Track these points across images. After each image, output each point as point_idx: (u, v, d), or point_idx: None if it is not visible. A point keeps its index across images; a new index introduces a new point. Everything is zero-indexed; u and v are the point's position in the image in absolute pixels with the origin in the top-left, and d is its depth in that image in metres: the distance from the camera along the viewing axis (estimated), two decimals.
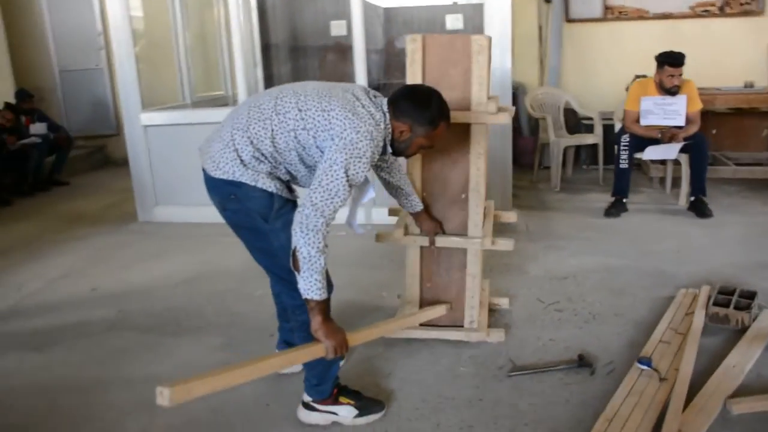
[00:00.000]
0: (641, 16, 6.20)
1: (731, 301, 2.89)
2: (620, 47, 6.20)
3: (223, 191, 2.07)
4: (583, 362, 2.57)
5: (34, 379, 2.74)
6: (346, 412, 2.24)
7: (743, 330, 2.76)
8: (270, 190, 2.04)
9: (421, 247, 2.69)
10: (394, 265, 3.64)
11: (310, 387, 2.26)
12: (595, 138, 5.56)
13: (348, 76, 6.15)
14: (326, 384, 2.23)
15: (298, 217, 1.90)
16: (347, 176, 1.91)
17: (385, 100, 2.10)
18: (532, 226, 4.48)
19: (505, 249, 2.64)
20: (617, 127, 5.02)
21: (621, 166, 4.61)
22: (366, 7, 7.47)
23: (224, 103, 6.28)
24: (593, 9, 6.27)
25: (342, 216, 2.21)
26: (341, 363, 2.50)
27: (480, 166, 2.51)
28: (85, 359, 2.90)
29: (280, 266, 2.11)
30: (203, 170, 2.12)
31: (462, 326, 2.75)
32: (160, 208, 5.00)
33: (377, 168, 2.40)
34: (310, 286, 1.92)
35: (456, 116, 2.41)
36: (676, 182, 4.98)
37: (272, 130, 2.02)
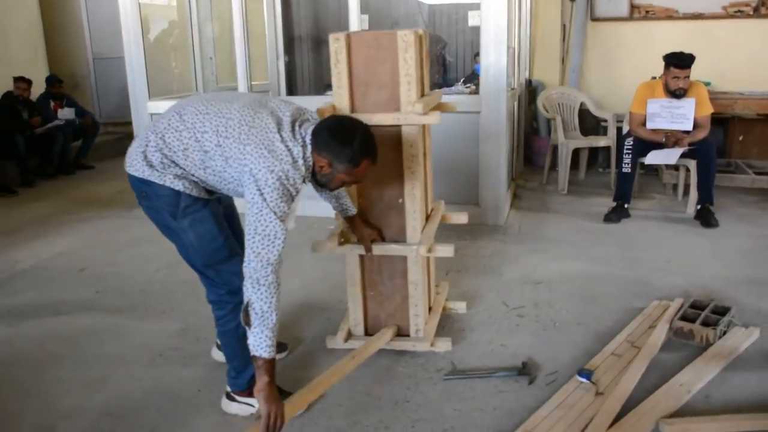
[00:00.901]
0: (670, 15, 5.94)
1: (699, 316, 2.74)
2: (646, 48, 5.95)
3: (135, 187, 2.09)
4: (523, 370, 2.48)
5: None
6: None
7: (708, 347, 2.61)
8: (177, 188, 2.04)
9: (361, 255, 2.60)
10: None
11: (229, 378, 2.30)
12: (608, 140, 5.37)
13: None
14: (243, 377, 2.26)
15: (246, 271, 1.89)
16: (276, 215, 1.88)
17: (310, 129, 2.01)
18: (525, 228, 4.36)
19: (445, 255, 2.54)
20: (625, 129, 4.83)
21: (623, 170, 4.44)
22: (407, 3, 7.45)
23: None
24: (619, 8, 6.04)
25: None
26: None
27: (415, 168, 2.42)
28: (49, 336, 2.99)
29: (192, 262, 2.17)
30: None
31: (408, 335, 2.69)
32: None
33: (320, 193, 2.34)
34: (259, 343, 1.90)
35: (385, 118, 2.37)
36: (689, 189, 4.76)
37: (186, 146, 2.00)
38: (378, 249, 2.52)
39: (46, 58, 7.39)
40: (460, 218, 2.86)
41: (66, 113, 6.74)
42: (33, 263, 4.02)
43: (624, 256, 3.76)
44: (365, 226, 2.51)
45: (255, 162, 1.91)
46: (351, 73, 2.44)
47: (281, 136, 1.96)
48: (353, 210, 2.47)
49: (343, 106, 2.47)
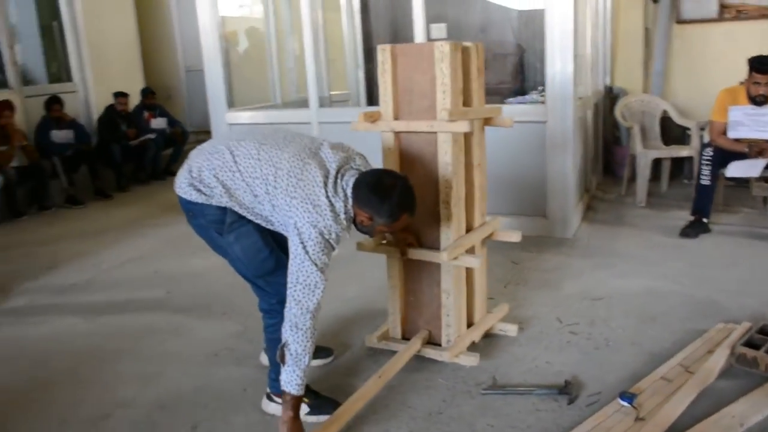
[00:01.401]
0: (764, 14, 5.56)
1: (766, 343, 2.55)
2: (737, 50, 5.55)
3: (184, 208, 2.21)
4: (564, 389, 2.41)
5: (71, 344, 3.10)
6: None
7: None
8: (223, 205, 2.13)
9: (401, 260, 2.63)
10: None
11: (270, 380, 2.38)
12: (690, 150, 5.10)
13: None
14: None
15: (287, 315, 2.02)
16: (317, 266, 1.99)
17: (351, 182, 2.07)
18: (594, 241, 4.21)
19: (471, 266, 2.51)
20: (705, 138, 4.56)
21: (702, 182, 4.19)
22: (495, 10, 7.38)
23: (323, 104, 6.51)
24: (707, 8, 5.72)
25: None
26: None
27: (449, 177, 2.42)
28: (118, 331, 3.21)
29: (243, 274, 2.28)
30: None
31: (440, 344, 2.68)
32: None
33: None
34: (290, 380, 2.05)
35: (419, 125, 2.39)
36: None
37: (238, 187, 2.10)
38: (411, 253, 2.55)
39: (142, 72, 7.90)
40: (511, 236, 2.80)
41: (158, 122, 7.19)
42: (114, 264, 4.31)
43: (694, 274, 3.56)
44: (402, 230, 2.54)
45: (300, 216, 2.01)
46: (396, 82, 2.48)
47: (326, 191, 2.03)
48: None
49: (387, 113, 2.51)
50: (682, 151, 5.17)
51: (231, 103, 5.32)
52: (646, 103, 5.50)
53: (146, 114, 7.19)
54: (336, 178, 2.07)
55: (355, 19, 6.96)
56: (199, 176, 2.13)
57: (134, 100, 7.19)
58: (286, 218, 2.05)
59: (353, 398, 2.28)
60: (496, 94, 6.34)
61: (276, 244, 2.23)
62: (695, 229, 4.19)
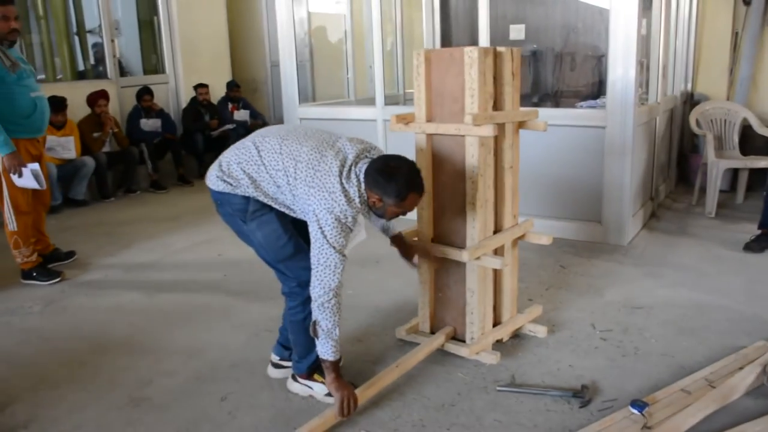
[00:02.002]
0: None
1: None
2: None
3: (213, 198, 2.39)
4: (579, 393, 2.42)
5: (131, 316, 3.39)
6: (318, 389, 2.48)
7: None
8: (246, 194, 2.29)
9: (433, 257, 2.72)
10: None
11: (293, 362, 2.55)
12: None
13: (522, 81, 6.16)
14: (304, 363, 2.49)
15: (313, 295, 2.21)
16: (336, 249, 2.16)
17: (363, 168, 2.20)
18: (650, 250, 4.11)
19: (493, 266, 2.55)
20: None
21: None
22: (584, 9, 7.24)
23: (394, 101, 6.63)
24: None
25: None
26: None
27: (476, 178, 2.47)
28: (175, 308, 3.48)
29: (266, 259, 2.42)
30: None
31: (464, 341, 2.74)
32: None
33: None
34: (326, 350, 2.27)
35: (447, 128, 2.46)
36: None
37: (262, 179, 2.26)
38: (435, 250, 2.65)
39: (230, 65, 8.31)
40: (542, 239, 2.80)
41: (241, 115, 7.56)
42: (183, 246, 4.63)
43: (748, 290, 3.41)
44: (406, 244, 2.69)
45: (317, 203, 2.16)
46: (429, 85, 2.56)
47: (340, 178, 2.17)
48: (393, 231, 2.66)
49: (420, 115, 2.60)
50: (760, 162, 4.90)
51: (306, 98, 5.56)
52: (725, 110, 5.25)
53: (230, 106, 7.57)
54: (351, 166, 2.20)
55: (435, 18, 7.03)
56: (228, 170, 2.30)
57: (222, 92, 7.61)
58: (305, 206, 2.20)
59: (367, 384, 2.41)
60: (574, 97, 6.24)
61: (296, 231, 2.37)
62: (760, 243, 4.00)
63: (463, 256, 2.47)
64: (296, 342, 2.50)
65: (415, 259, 2.74)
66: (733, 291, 3.41)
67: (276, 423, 2.35)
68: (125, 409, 2.50)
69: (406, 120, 2.60)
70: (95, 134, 6.15)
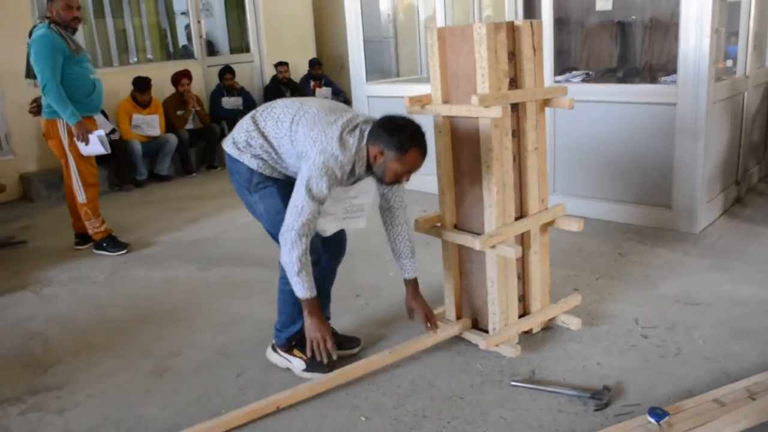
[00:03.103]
0: None
1: None
2: None
3: (228, 167, 2.47)
4: (597, 394, 2.25)
5: (179, 288, 3.56)
6: (297, 364, 2.54)
7: None
8: (251, 167, 2.35)
9: (456, 244, 2.62)
10: None
11: (275, 330, 2.59)
12: None
13: (608, 54, 5.79)
14: (284, 333, 2.54)
15: (279, 236, 2.22)
16: (310, 193, 2.15)
17: (368, 128, 2.23)
18: (724, 240, 3.74)
19: (507, 255, 2.38)
20: None
21: None
22: None
23: None
24: None
25: None
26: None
27: (491, 162, 2.31)
28: (221, 282, 3.61)
29: (267, 229, 2.49)
30: None
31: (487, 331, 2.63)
32: None
33: (381, 209, 2.50)
34: (296, 289, 2.25)
35: (459, 109, 2.34)
36: None
37: (266, 126, 2.32)
38: (448, 236, 2.58)
39: (314, 43, 8.40)
40: (572, 225, 2.61)
41: (322, 92, 7.64)
42: (248, 222, 4.73)
43: None
44: (416, 296, 2.58)
45: (311, 145, 2.18)
46: (445, 65, 2.44)
47: (341, 128, 2.20)
48: (410, 274, 2.55)
49: (436, 96, 2.49)
50: None
51: (390, 74, 5.51)
52: None
53: (312, 83, 7.68)
54: (358, 124, 2.23)
55: None
56: (239, 128, 2.37)
57: (306, 70, 7.72)
58: (301, 150, 2.20)
59: (353, 366, 2.42)
60: (663, 71, 5.78)
61: None
62: None
63: (476, 244, 2.35)
64: (281, 311, 2.53)
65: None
66: None
67: None
68: (149, 378, 2.62)
69: (422, 102, 2.50)
70: (178, 112, 6.45)
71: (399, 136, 2.16)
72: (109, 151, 4.03)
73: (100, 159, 5.34)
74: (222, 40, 7.97)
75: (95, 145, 3.89)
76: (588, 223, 4.11)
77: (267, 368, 2.62)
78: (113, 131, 5.81)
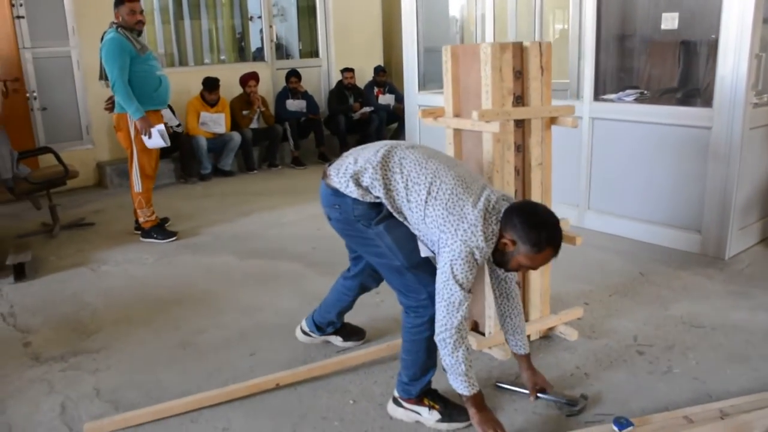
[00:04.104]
0: None
1: None
2: None
3: (327, 201, 2.25)
4: (573, 401, 2.35)
5: (216, 275, 3.87)
6: (428, 415, 2.29)
7: None
8: (376, 202, 2.16)
9: None
10: None
11: (400, 383, 2.33)
12: None
13: (669, 74, 5.73)
14: (416, 386, 2.30)
15: (436, 328, 2.09)
16: (461, 285, 2.01)
17: (504, 207, 2.06)
18: (755, 267, 3.69)
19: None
20: None
21: None
22: None
23: None
24: None
25: None
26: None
27: (491, 174, 2.46)
28: (256, 272, 3.89)
29: (393, 266, 2.22)
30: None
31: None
32: None
33: (493, 279, 2.36)
34: (457, 386, 2.13)
35: (464, 123, 2.50)
36: None
37: (397, 189, 2.12)
38: None
39: (381, 50, 8.66)
40: (572, 240, 2.65)
41: (386, 99, 7.88)
42: (294, 219, 5.06)
43: None
44: (531, 370, 2.42)
45: (452, 233, 2.01)
46: (457, 80, 2.61)
47: (483, 212, 2.02)
48: (524, 349, 2.39)
49: (448, 110, 2.66)
50: None
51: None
52: None
53: (376, 90, 7.93)
54: (494, 203, 2.05)
55: (585, 6, 6.74)
56: (361, 172, 2.14)
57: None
58: (435, 231, 2.05)
59: (351, 355, 2.67)
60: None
61: None
62: None
63: None
64: (412, 362, 2.28)
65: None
66: None
67: None
68: (174, 350, 2.92)
69: (434, 114, 2.68)
70: (244, 112, 6.85)
71: (539, 233, 2.00)
72: (169, 144, 4.41)
73: (166, 152, 5.81)
74: (293, 44, 8.37)
75: (156, 138, 4.27)
76: (618, 241, 4.20)
77: (278, 350, 2.86)
78: (179, 125, 6.26)
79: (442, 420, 2.27)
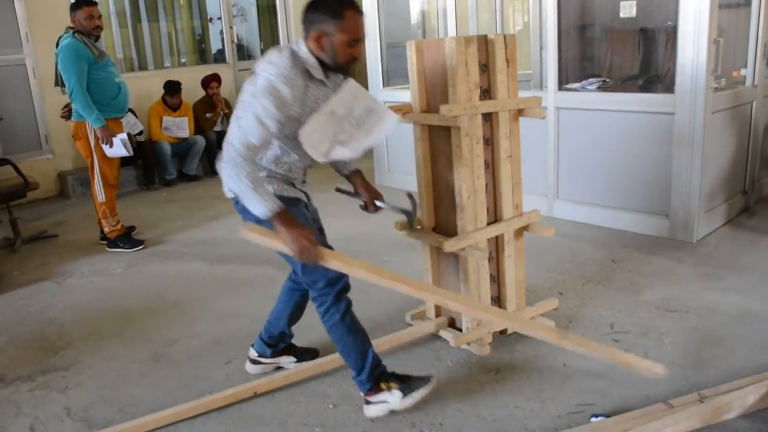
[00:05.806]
0: None
1: None
2: None
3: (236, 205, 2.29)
4: (404, 210, 2.53)
5: (187, 283, 3.79)
6: (393, 398, 2.26)
7: None
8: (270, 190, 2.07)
9: (433, 247, 2.75)
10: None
11: (356, 382, 2.33)
12: None
13: (630, 61, 5.78)
14: (364, 373, 2.28)
15: (222, 159, 1.98)
16: (256, 115, 1.95)
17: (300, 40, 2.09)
18: (722, 249, 3.75)
19: (474, 258, 2.50)
20: None
21: None
22: None
23: None
24: None
25: None
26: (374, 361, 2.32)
27: (459, 167, 2.45)
28: (227, 278, 3.82)
29: (289, 260, 2.23)
30: None
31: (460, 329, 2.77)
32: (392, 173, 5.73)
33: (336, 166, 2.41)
34: (256, 208, 1.97)
35: (431, 118, 2.48)
36: None
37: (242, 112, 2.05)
38: (419, 236, 2.71)
39: None
40: (544, 231, 2.71)
41: None
42: None
43: None
44: (367, 185, 2.48)
45: (261, 75, 2.02)
46: (423, 76, 2.58)
47: (279, 53, 2.05)
48: (354, 167, 2.48)
49: (416, 106, 2.63)
50: None
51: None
52: None
53: None
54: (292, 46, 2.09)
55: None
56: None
57: None
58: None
59: (328, 358, 2.63)
60: None
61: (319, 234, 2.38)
62: None
63: (445, 246, 2.48)
64: (347, 351, 2.27)
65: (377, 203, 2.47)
66: None
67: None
68: (146, 363, 2.84)
69: (402, 110, 2.65)
70: (207, 115, 6.73)
71: (326, 4, 2.01)
72: (132, 154, 4.30)
73: (129, 160, 5.66)
74: (255, 44, 8.26)
75: (119, 148, 4.16)
76: (588, 229, 4.22)
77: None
78: (141, 133, 6.12)
79: (404, 395, 2.25)
